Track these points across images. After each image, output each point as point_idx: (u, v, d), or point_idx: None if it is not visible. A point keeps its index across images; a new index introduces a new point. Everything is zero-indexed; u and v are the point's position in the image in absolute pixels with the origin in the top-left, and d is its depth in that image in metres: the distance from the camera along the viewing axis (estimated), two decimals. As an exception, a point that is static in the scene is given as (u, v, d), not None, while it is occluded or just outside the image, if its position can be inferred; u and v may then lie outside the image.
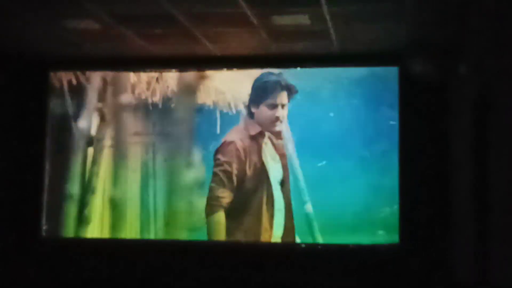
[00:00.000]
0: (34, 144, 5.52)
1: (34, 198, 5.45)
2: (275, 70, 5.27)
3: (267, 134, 5.14)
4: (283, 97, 5.17)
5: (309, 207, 5.11)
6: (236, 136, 5.16)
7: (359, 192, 5.04)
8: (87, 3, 4.00)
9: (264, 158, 5.12)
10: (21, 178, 5.48)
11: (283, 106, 5.17)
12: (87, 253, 5.30)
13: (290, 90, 5.19)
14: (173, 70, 5.48)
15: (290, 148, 5.22)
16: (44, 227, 5.44)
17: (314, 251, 5.14)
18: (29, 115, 5.53)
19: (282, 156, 5.18)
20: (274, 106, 5.15)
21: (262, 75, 5.28)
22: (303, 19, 4.34)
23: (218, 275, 5.02)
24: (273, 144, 5.16)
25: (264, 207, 5.08)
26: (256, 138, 5.14)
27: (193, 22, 4.41)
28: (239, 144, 5.11)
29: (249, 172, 5.09)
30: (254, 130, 5.13)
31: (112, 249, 5.33)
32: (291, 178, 5.16)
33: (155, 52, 5.24)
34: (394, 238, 4.96)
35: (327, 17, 4.22)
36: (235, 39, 4.85)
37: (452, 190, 4.82)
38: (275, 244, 5.15)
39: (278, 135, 5.16)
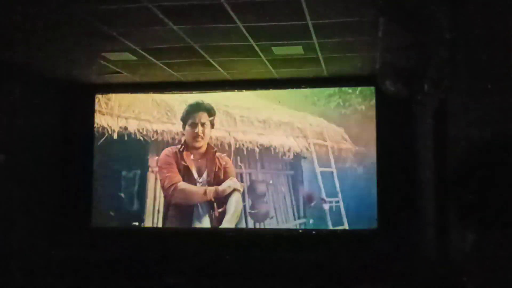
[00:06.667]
0: (84, 153, 6.12)
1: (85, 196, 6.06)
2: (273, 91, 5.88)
3: None
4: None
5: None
6: None
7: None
8: (125, 40, 4.51)
9: None
10: (73, 183, 6.09)
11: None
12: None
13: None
14: (194, 92, 6.06)
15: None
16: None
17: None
18: (78, 130, 6.15)
19: None
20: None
21: None
22: (297, 49, 4.76)
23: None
24: None
25: None
26: None
27: (210, 53, 4.88)
28: None
29: None
30: None
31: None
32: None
33: (179, 78, 5.75)
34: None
35: (317, 48, 4.68)
36: (243, 66, 5.31)
37: (418, 182, 5.30)
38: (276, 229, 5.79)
39: None
